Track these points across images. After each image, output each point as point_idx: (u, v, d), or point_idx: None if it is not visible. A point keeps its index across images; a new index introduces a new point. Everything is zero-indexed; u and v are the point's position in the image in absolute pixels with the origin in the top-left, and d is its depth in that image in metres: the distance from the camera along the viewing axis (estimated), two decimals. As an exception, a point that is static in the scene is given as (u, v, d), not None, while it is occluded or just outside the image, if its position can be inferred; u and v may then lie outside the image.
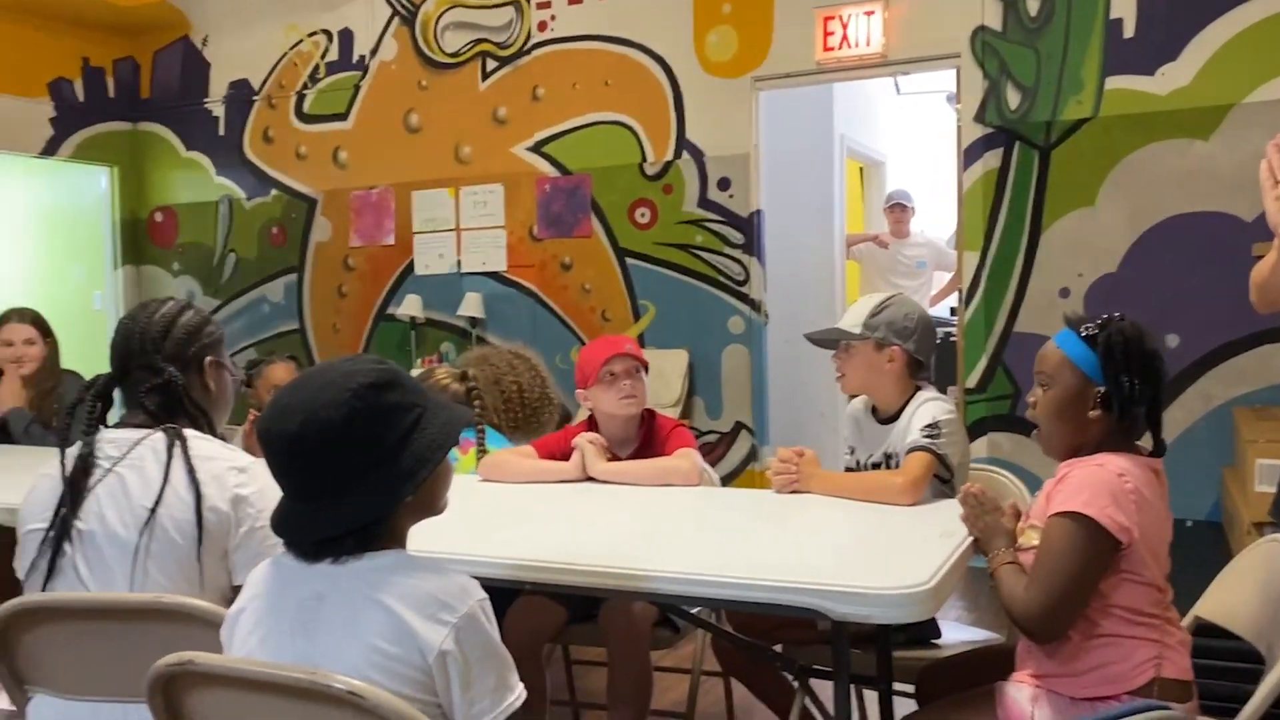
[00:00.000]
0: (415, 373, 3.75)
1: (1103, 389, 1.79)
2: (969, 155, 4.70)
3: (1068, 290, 4.53)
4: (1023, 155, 4.60)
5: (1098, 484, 1.72)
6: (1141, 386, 1.79)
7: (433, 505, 1.44)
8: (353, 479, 1.32)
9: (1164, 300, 4.31)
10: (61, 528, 1.69)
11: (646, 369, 2.74)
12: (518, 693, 1.34)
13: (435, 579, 1.31)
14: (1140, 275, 4.38)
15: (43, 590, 1.69)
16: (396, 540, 1.39)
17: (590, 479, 2.59)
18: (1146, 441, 1.85)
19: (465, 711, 1.30)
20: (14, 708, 1.76)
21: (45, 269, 6.95)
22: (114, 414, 1.86)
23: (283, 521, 1.37)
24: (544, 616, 2.61)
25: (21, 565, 1.73)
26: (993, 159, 4.65)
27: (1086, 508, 1.70)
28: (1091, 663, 1.74)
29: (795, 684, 2.37)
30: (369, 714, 1.22)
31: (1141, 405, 1.80)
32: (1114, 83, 4.40)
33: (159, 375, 1.79)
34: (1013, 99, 4.61)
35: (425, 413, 1.39)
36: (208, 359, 1.87)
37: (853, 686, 2.50)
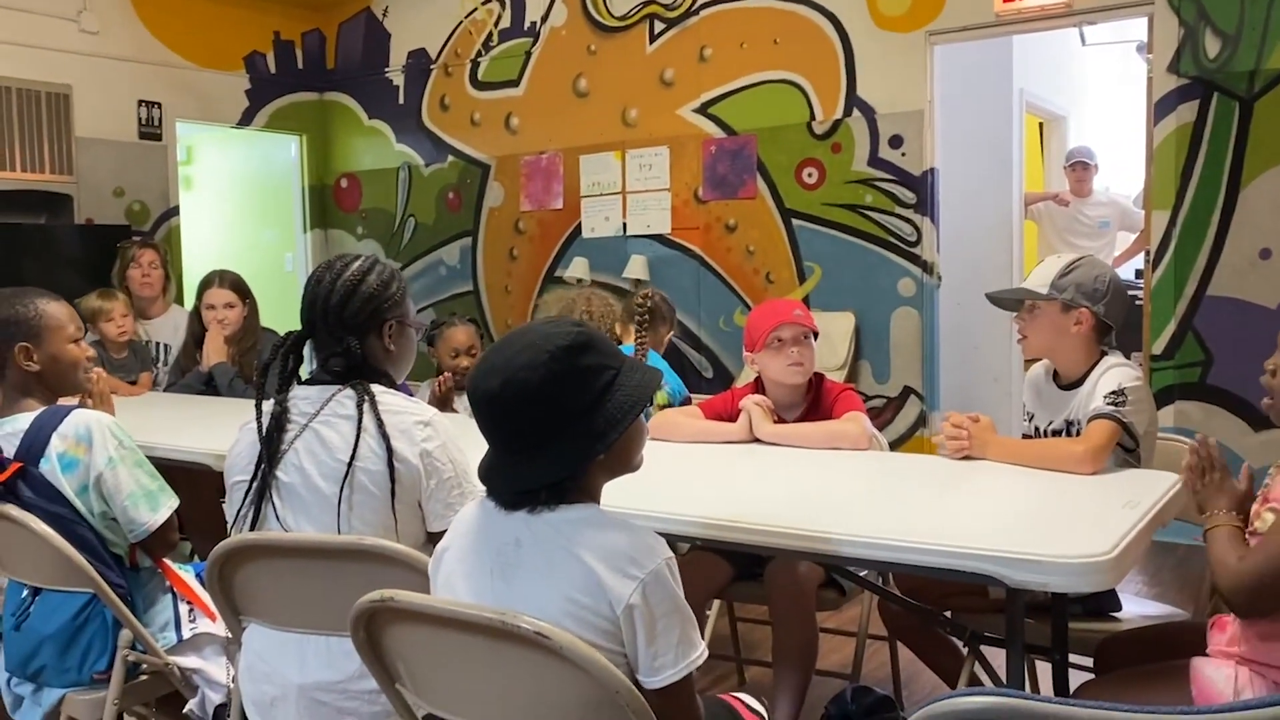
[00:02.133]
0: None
1: None
2: (1160, 108, 4.44)
3: (1269, 251, 4.24)
4: (1221, 107, 4.31)
5: None
6: None
7: (627, 463, 1.50)
8: (548, 437, 1.39)
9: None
10: (263, 481, 1.82)
11: (816, 335, 2.73)
12: (700, 650, 1.39)
13: (626, 535, 1.37)
14: (1353, 235, 4.06)
15: (249, 537, 1.83)
16: (591, 495, 1.45)
17: (757, 441, 2.61)
18: None
19: (649, 664, 1.35)
20: (230, 635, 1.93)
21: (242, 233, 7.40)
22: (307, 368, 1.96)
23: (487, 471, 1.46)
24: (710, 572, 2.65)
25: (230, 513, 1.88)
26: (1187, 112, 4.37)
27: None
28: None
29: (965, 650, 2.34)
30: (554, 655, 1.28)
31: None
32: (1329, 26, 4.07)
33: (340, 343, 1.88)
34: (1211, 47, 4.31)
35: (619, 374, 1.44)
36: (387, 323, 1.93)
37: (1025, 656, 2.45)
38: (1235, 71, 4.27)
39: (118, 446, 2.15)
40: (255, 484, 1.81)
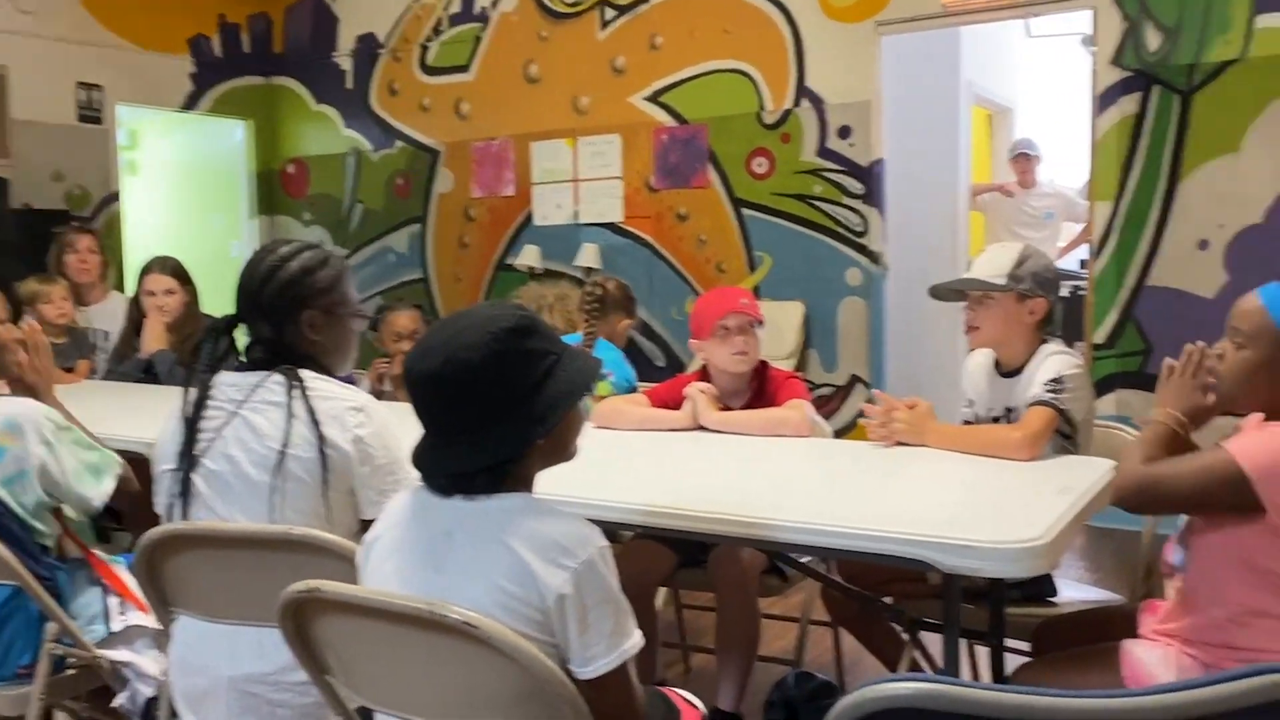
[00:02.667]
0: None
1: None
2: (1104, 100, 4.49)
3: (1207, 242, 4.31)
4: (1162, 100, 4.37)
5: (1275, 451, 1.60)
6: None
7: (563, 451, 1.49)
8: (488, 419, 1.37)
9: (1314, 253, 4.06)
10: (187, 466, 1.78)
11: (761, 324, 2.73)
12: (634, 639, 1.37)
13: (559, 524, 1.35)
14: (1288, 227, 4.14)
15: (178, 527, 1.79)
16: (525, 483, 1.44)
17: (701, 428, 2.61)
18: None
19: (581, 654, 1.34)
20: (160, 626, 1.89)
21: (187, 219, 7.26)
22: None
23: (420, 456, 1.44)
24: (654, 559, 2.66)
25: (160, 503, 1.84)
26: (1129, 104, 4.43)
27: (1248, 459, 1.60)
28: (1251, 643, 1.65)
29: (905, 636, 2.36)
30: (484, 645, 1.27)
31: None
32: (1265, 21, 4.14)
33: (257, 329, 1.85)
34: (1153, 40, 4.37)
35: (560, 360, 1.42)
36: (308, 311, 1.86)
37: (964, 641, 2.47)
38: (1175, 65, 4.34)
39: (54, 430, 2.11)
40: (177, 471, 1.77)
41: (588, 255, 5.84)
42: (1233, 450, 1.62)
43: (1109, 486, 2.01)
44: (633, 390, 3.25)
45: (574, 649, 1.34)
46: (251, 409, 1.78)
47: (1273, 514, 1.60)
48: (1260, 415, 1.73)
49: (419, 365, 1.40)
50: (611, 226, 5.84)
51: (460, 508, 1.39)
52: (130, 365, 3.84)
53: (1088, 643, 1.95)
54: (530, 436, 1.39)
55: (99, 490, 2.15)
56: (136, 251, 5.94)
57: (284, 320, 1.86)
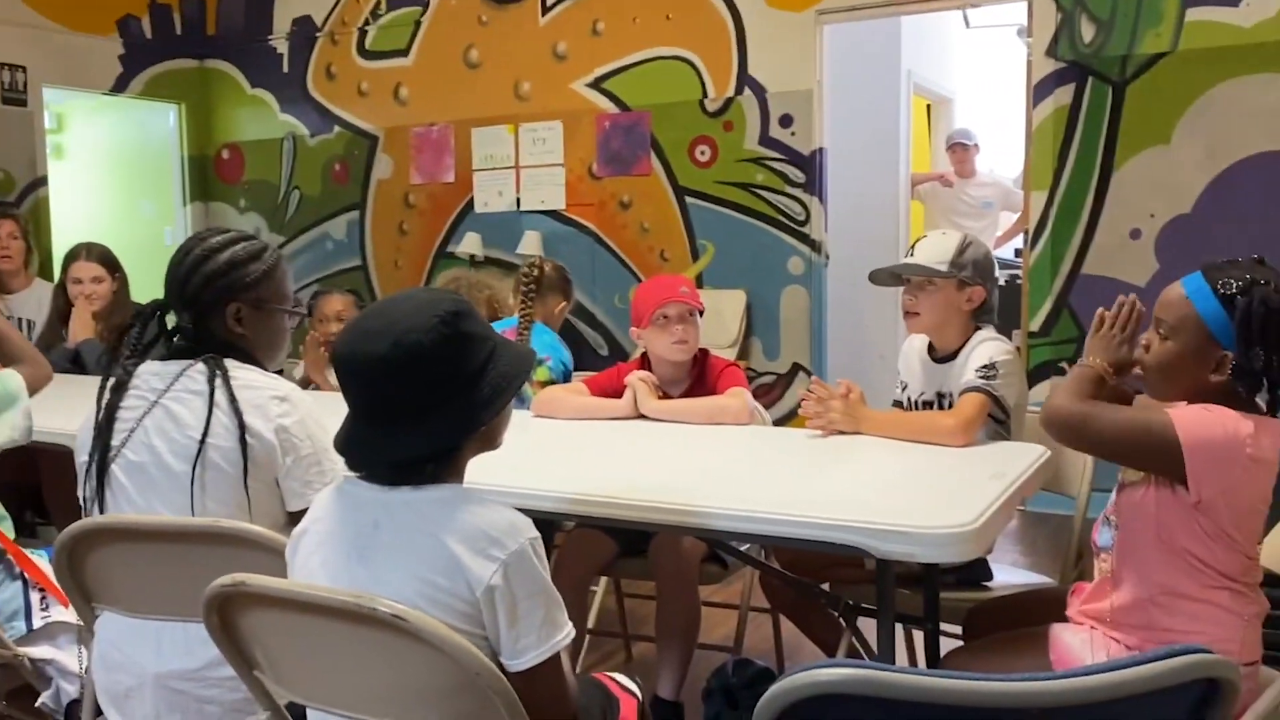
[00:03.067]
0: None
1: (1229, 354, 1.63)
2: (1039, 91, 4.56)
3: (1139, 231, 4.40)
4: (1095, 91, 4.44)
5: (1213, 428, 1.62)
6: (1277, 362, 1.62)
7: (495, 439, 1.47)
8: (436, 403, 1.35)
9: (1241, 243, 4.14)
10: (101, 458, 1.73)
11: (701, 313, 2.73)
12: (565, 631, 1.36)
13: (488, 514, 1.33)
14: (1216, 216, 4.24)
15: (99, 518, 1.75)
16: (458, 474, 1.42)
17: (641, 417, 2.60)
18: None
19: (511, 646, 1.32)
20: (83, 623, 1.84)
21: (117, 205, 7.07)
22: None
23: (353, 444, 1.39)
24: (595, 548, 2.65)
25: (82, 494, 1.79)
26: (1064, 95, 4.50)
27: (1185, 431, 1.61)
28: (1171, 625, 1.68)
29: (842, 622, 2.38)
30: (414, 638, 1.25)
31: (1270, 380, 1.65)
32: (1195, 14, 4.22)
33: (182, 317, 1.81)
34: (1087, 32, 4.44)
35: (497, 347, 1.42)
36: (233, 304, 1.82)
37: (900, 626, 2.50)
38: (1108, 56, 4.41)
39: None
40: (93, 461, 1.72)
41: (530, 243, 5.79)
42: (1174, 417, 1.64)
43: (1040, 470, 2.05)
44: (568, 373, 3.23)
45: (504, 641, 1.32)
46: (173, 398, 1.74)
47: (1194, 489, 1.63)
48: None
49: (361, 348, 1.35)
50: (554, 214, 5.80)
51: (388, 499, 1.36)
52: (57, 355, 3.73)
53: (1019, 626, 1.97)
54: (477, 422, 1.37)
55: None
56: (64, 237, 5.77)
57: (208, 311, 1.82)
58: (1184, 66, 4.26)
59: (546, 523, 1.85)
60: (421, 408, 1.35)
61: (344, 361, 1.38)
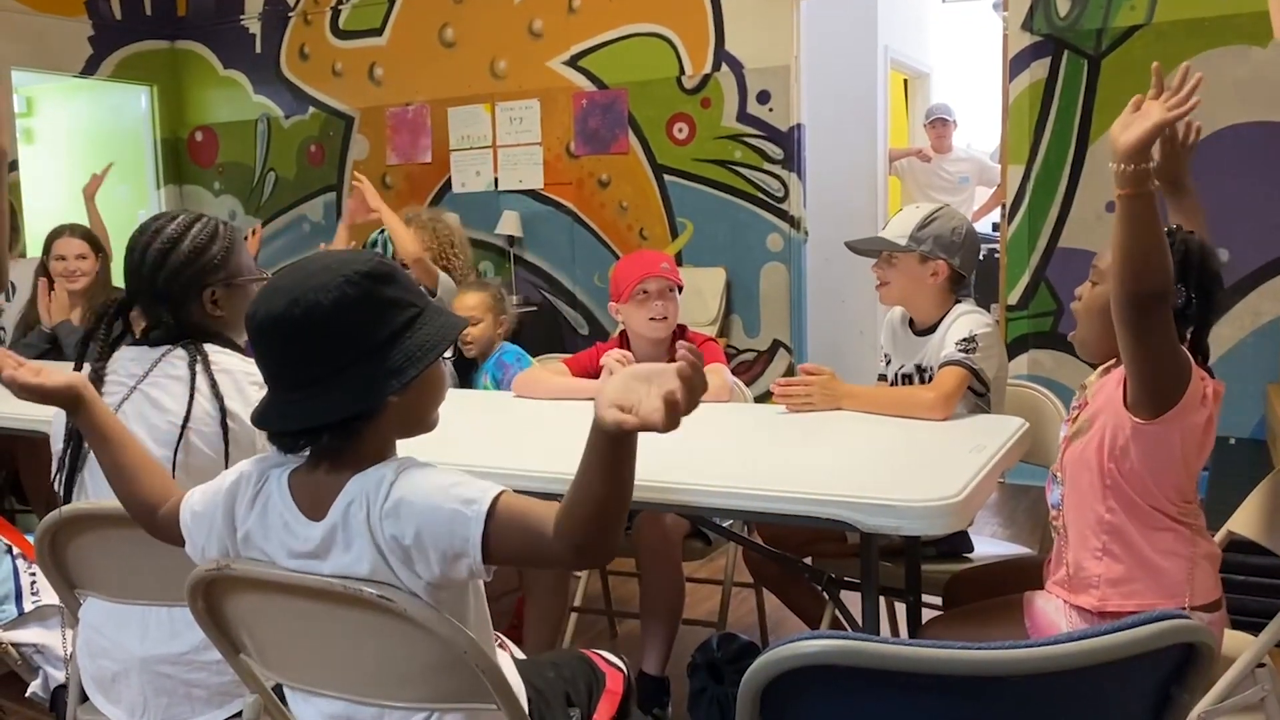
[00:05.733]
0: None
1: None
2: (1015, 65, 4.56)
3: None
4: (1071, 64, 4.46)
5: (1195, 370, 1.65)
6: (1196, 305, 1.70)
7: (422, 417, 1.37)
8: (338, 368, 1.26)
9: (1214, 213, 4.16)
10: (76, 447, 1.72)
11: (680, 289, 2.73)
12: (489, 492, 1.25)
13: (354, 485, 1.27)
14: (1191, 188, 4.26)
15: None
16: (377, 451, 1.32)
17: (621, 395, 2.60)
18: None
19: (460, 560, 1.24)
20: (67, 609, 1.83)
21: (90, 189, 7.00)
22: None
23: (265, 412, 1.32)
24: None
25: (57, 482, 1.78)
26: (1040, 69, 4.51)
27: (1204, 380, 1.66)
28: (1123, 575, 1.72)
29: (825, 596, 2.40)
30: (399, 618, 1.25)
31: (1189, 325, 1.72)
32: (1169, -14, 4.24)
33: (157, 316, 1.79)
34: (1062, 5, 4.45)
35: (422, 314, 1.32)
36: (208, 289, 1.80)
37: (883, 598, 2.52)
38: (1084, 29, 4.42)
39: None
40: (69, 449, 1.72)
41: (509, 223, 5.77)
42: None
43: (1020, 443, 2.07)
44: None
45: (450, 562, 1.24)
46: (152, 384, 1.73)
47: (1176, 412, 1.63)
48: (1112, 364, 1.77)
49: (262, 308, 1.27)
50: (532, 193, 5.78)
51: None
52: (35, 337, 3.72)
53: (997, 594, 2.00)
54: (384, 390, 1.25)
55: None
56: (36, 222, 5.71)
57: (184, 301, 1.80)
58: (1159, 39, 4.27)
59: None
60: (322, 372, 1.26)
61: (248, 319, 1.30)
